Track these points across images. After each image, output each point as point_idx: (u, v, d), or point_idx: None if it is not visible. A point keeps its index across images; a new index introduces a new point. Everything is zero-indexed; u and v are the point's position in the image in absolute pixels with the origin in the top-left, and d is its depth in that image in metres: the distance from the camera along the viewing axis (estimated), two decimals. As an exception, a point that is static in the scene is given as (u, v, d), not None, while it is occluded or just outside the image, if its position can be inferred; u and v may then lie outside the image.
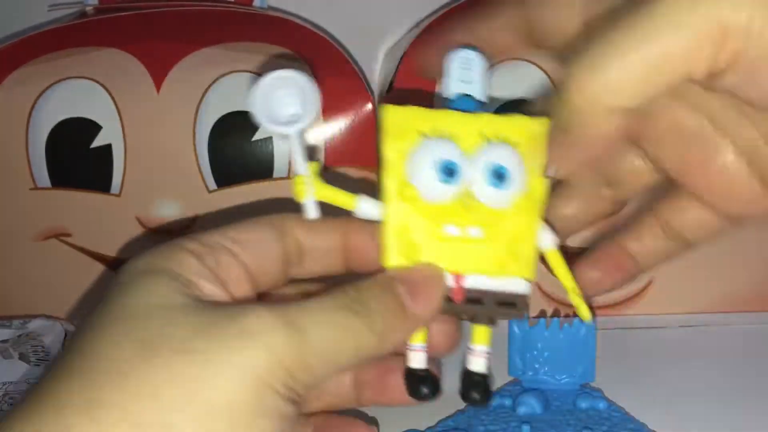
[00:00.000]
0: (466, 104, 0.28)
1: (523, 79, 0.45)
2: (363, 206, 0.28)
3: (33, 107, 0.45)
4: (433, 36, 0.30)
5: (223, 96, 0.45)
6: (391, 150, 0.27)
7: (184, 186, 0.45)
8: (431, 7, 0.56)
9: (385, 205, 0.27)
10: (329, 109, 0.45)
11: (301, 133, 0.28)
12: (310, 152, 0.29)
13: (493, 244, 0.27)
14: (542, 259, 0.28)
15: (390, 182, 0.27)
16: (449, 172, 0.26)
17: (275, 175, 0.45)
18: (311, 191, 0.28)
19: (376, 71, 0.61)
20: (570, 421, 0.34)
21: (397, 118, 0.27)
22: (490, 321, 0.28)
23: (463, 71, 0.28)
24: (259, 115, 0.27)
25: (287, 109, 0.28)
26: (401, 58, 0.46)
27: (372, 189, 0.28)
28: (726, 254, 0.48)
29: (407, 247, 0.27)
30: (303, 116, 0.28)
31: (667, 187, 0.29)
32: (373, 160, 0.46)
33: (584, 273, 0.29)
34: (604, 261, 0.29)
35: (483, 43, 0.28)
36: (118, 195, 0.46)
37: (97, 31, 0.47)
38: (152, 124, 0.45)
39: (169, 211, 0.46)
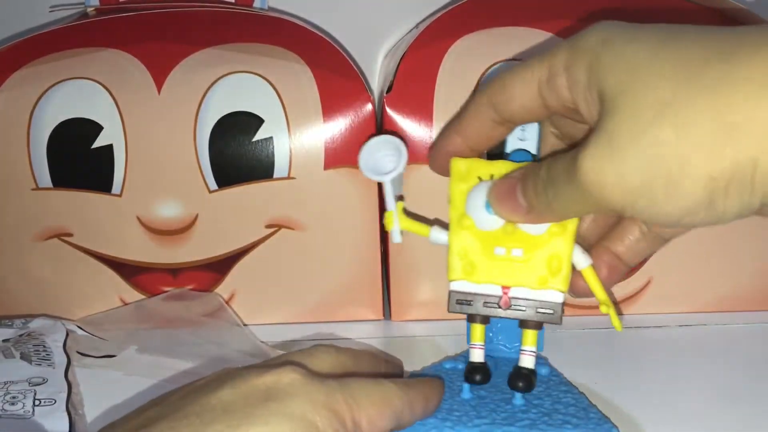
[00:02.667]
0: (522, 156, 0.36)
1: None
2: (434, 234, 0.36)
3: (34, 108, 0.45)
4: (433, 143, 0.36)
5: (224, 96, 0.45)
6: (455, 191, 0.35)
7: (184, 186, 0.46)
8: (431, 8, 0.56)
9: (450, 233, 0.35)
10: (329, 109, 0.45)
11: (393, 181, 0.37)
12: (398, 195, 0.38)
13: (533, 262, 0.34)
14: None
15: (454, 214, 0.35)
16: None
17: (275, 175, 0.45)
18: (397, 222, 0.37)
19: (376, 72, 0.62)
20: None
21: (461, 167, 0.35)
22: (535, 325, 0.35)
23: (521, 131, 0.36)
24: (364, 167, 0.37)
25: (385, 161, 0.37)
26: (401, 59, 0.46)
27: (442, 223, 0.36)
28: (725, 254, 0.48)
29: (467, 265, 0.35)
30: (396, 168, 0.36)
31: None
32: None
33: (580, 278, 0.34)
34: (598, 264, 0.34)
35: (470, 137, 0.33)
36: (119, 195, 0.46)
37: (99, 32, 0.47)
38: (153, 124, 0.45)
39: (169, 211, 0.46)
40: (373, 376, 0.34)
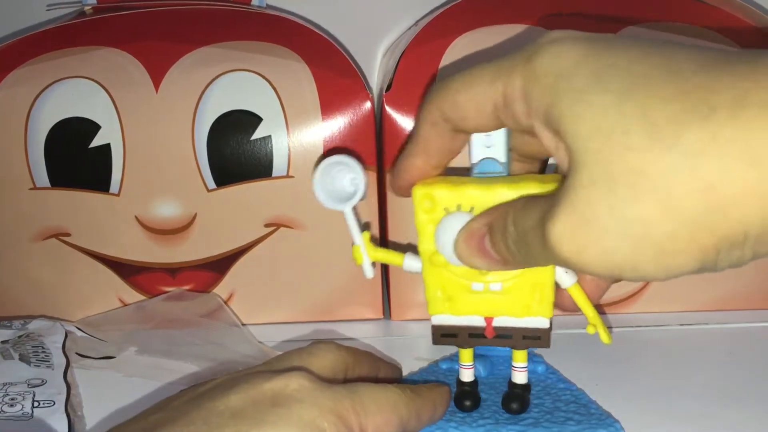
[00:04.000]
0: (490, 166, 0.33)
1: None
2: (407, 263, 0.35)
3: (32, 107, 0.45)
4: (393, 169, 0.34)
5: (222, 95, 0.45)
6: (421, 223, 0.33)
7: (183, 185, 0.45)
8: (430, 5, 0.56)
9: (423, 269, 0.34)
10: (328, 107, 0.45)
11: (354, 209, 0.35)
12: (363, 224, 0.36)
13: (515, 293, 0.33)
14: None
15: (424, 248, 0.33)
16: None
17: (274, 173, 0.45)
18: (366, 256, 0.35)
19: (376, 69, 0.61)
20: (505, 377, 0.37)
21: (424, 196, 0.32)
22: (523, 348, 0.35)
23: (486, 137, 0.32)
24: (318, 194, 0.34)
25: (343, 188, 0.34)
26: (400, 57, 0.46)
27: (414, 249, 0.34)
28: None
29: (446, 299, 0.34)
30: (354, 195, 0.34)
31: None
32: (372, 158, 0.46)
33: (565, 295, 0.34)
34: (582, 280, 0.33)
35: (432, 155, 0.32)
36: (117, 194, 0.46)
37: (96, 31, 0.47)
38: (151, 123, 0.45)
39: (168, 210, 0.46)
40: (373, 376, 0.34)
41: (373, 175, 0.46)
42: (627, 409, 0.37)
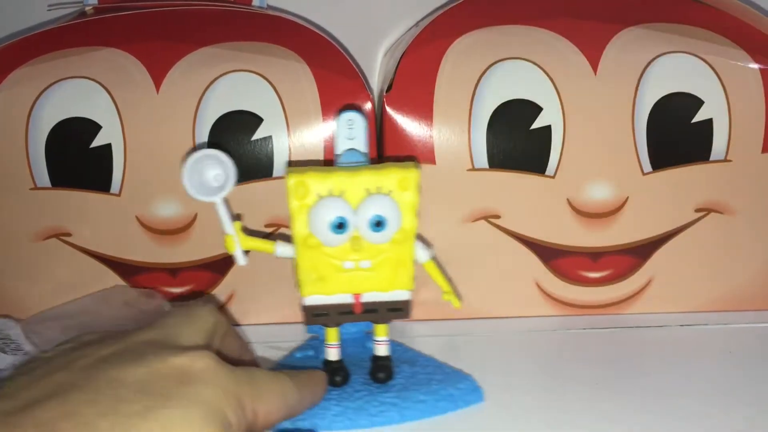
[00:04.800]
0: (353, 157, 0.37)
1: (523, 78, 0.45)
2: (280, 249, 0.38)
3: (33, 107, 0.45)
4: None
5: (223, 95, 0.45)
6: (295, 208, 0.36)
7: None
8: (431, 6, 0.56)
9: (296, 251, 0.37)
10: (328, 108, 0.45)
11: (225, 200, 0.37)
12: (233, 214, 0.38)
13: (381, 269, 0.37)
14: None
15: (298, 232, 0.36)
16: (340, 226, 0.36)
17: (274, 174, 0.45)
18: (238, 244, 0.38)
19: (376, 70, 0.61)
20: (362, 358, 0.41)
21: (298, 183, 0.35)
22: (386, 321, 0.38)
23: (348, 130, 0.37)
24: (189, 188, 0.36)
25: (213, 180, 0.37)
26: (401, 58, 0.46)
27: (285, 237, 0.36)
28: (725, 253, 0.48)
29: (318, 280, 0.37)
30: (224, 186, 0.37)
31: None
32: (372, 158, 0.46)
33: None
34: None
35: None
36: (118, 194, 0.46)
37: (97, 31, 0.47)
38: (152, 123, 0.45)
39: (169, 210, 0.46)
40: (238, 346, 0.36)
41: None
42: (627, 409, 0.37)
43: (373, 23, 0.60)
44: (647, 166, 0.46)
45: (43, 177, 0.45)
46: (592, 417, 0.37)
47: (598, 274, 0.47)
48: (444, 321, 0.48)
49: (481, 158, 0.45)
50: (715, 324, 0.47)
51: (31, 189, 0.46)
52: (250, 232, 0.41)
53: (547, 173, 0.46)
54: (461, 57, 0.45)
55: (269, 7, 0.52)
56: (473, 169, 0.45)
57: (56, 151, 0.45)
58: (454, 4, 0.48)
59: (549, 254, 0.47)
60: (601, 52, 0.45)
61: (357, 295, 0.37)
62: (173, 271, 0.47)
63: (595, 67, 0.45)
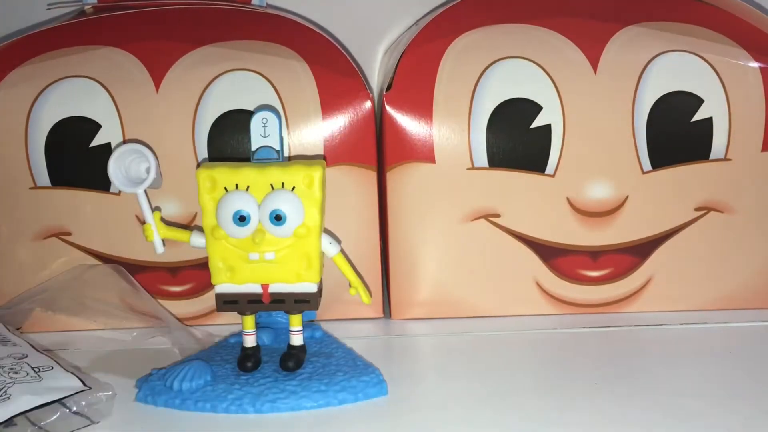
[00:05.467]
0: (266, 153, 0.39)
1: (523, 77, 0.45)
2: (194, 239, 0.40)
3: (32, 106, 0.45)
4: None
5: (223, 94, 0.45)
6: (205, 201, 0.38)
7: (183, 184, 0.45)
8: (431, 5, 0.56)
9: (206, 242, 0.39)
10: (328, 107, 0.45)
11: (145, 192, 0.40)
12: (153, 205, 0.41)
13: (287, 261, 0.38)
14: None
15: (207, 223, 0.38)
16: (243, 219, 0.38)
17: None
18: (156, 233, 0.40)
19: (376, 69, 0.61)
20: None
21: (207, 178, 0.38)
22: (294, 312, 0.40)
23: (263, 128, 0.39)
24: (114, 178, 0.39)
25: (137, 173, 0.40)
26: (401, 56, 0.46)
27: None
28: (726, 252, 0.48)
29: (227, 269, 0.39)
30: (146, 179, 0.39)
31: None
32: (372, 158, 0.46)
33: None
34: None
35: None
36: (118, 194, 0.46)
37: (96, 30, 0.47)
38: (151, 122, 0.45)
39: (169, 209, 0.46)
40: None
41: (373, 175, 0.46)
42: (627, 409, 0.37)
43: (373, 22, 0.60)
44: (647, 165, 0.46)
45: (43, 176, 0.45)
46: (592, 416, 0.37)
47: (597, 273, 0.47)
48: (444, 320, 0.48)
49: (481, 157, 0.45)
50: (715, 323, 0.47)
51: (31, 188, 0.46)
52: (169, 223, 0.43)
53: (546, 172, 0.46)
54: (461, 56, 0.45)
55: (269, 6, 0.52)
56: (473, 168, 0.45)
57: (56, 150, 0.45)
58: (454, 2, 0.48)
59: (549, 253, 0.47)
60: (601, 50, 0.45)
61: (265, 286, 0.39)
62: (173, 270, 0.47)
63: (595, 66, 0.45)
